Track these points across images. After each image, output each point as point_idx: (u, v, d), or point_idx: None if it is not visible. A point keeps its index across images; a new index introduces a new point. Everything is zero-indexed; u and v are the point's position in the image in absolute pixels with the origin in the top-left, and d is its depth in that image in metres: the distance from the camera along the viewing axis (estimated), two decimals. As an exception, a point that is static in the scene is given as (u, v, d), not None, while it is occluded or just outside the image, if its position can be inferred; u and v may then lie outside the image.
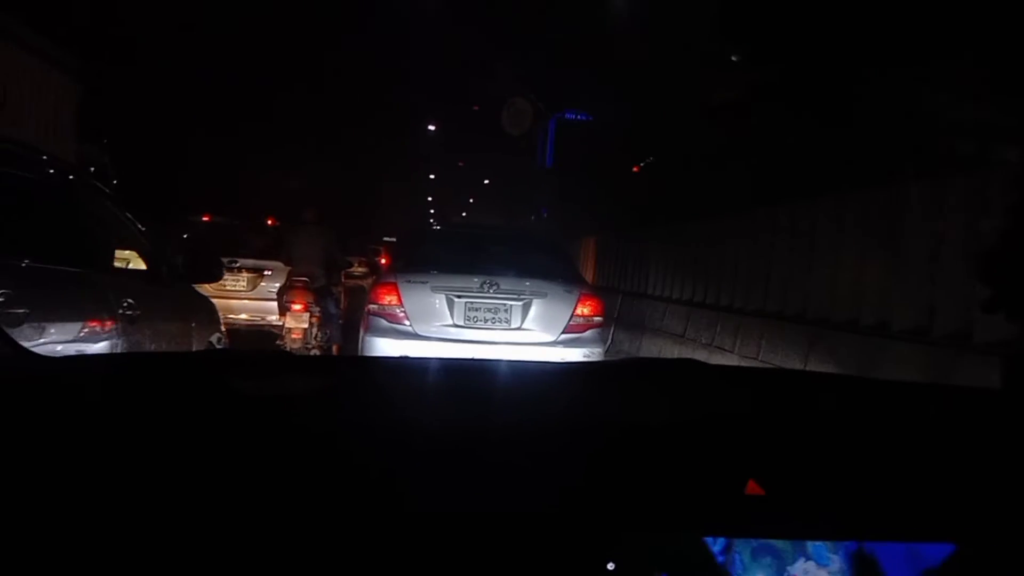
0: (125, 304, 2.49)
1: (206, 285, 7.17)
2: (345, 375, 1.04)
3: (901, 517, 0.72)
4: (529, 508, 0.68)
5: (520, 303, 4.31)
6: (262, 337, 6.72)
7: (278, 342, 5.80)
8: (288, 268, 6.02)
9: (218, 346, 3.49)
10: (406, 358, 3.26)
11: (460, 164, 32.56)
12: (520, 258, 4.73)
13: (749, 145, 6.62)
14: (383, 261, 11.06)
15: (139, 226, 2.92)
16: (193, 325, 3.24)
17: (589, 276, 10.34)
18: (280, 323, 5.85)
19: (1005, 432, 0.86)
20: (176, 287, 3.07)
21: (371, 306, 4.43)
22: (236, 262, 7.22)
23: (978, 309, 3.62)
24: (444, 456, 0.72)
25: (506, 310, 4.30)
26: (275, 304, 6.16)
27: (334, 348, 5.95)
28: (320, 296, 5.70)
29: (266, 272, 7.22)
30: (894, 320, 4.27)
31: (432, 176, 36.71)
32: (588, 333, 4.38)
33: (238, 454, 0.71)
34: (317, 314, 5.66)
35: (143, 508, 0.66)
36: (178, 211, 10.69)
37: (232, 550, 0.64)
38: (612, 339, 7.68)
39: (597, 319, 4.43)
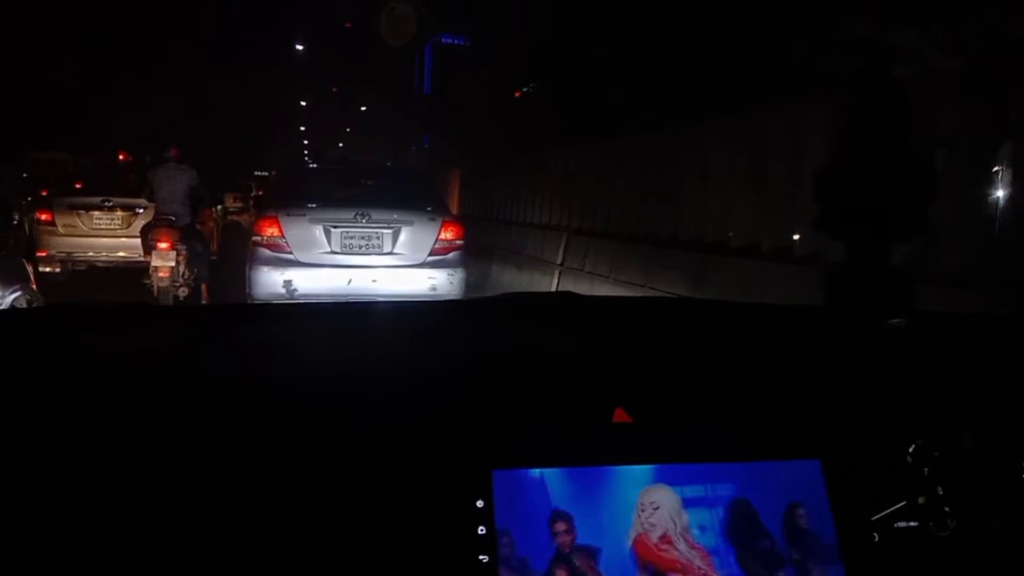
0: None
1: (78, 223, 7.24)
2: (209, 324, 1.02)
3: (766, 436, 0.76)
4: (400, 447, 0.70)
5: (390, 231, 5.10)
6: (139, 275, 6.55)
7: (145, 281, 6.00)
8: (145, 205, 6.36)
9: (20, 306, 3.14)
10: (275, 304, 3.84)
11: (334, 89, 31.45)
12: (389, 191, 5.52)
13: (625, 71, 7.06)
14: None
15: None
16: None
17: (459, 206, 11.05)
18: (140, 259, 6.19)
19: (850, 347, 0.94)
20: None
21: (255, 238, 5.07)
22: (109, 200, 7.38)
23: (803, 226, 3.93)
24: (313, 400, 0.74)
25: (378, 237, 5.08)
26: (136, 241, 6.48)
27: (203, 287, 6.27)
28: (186, 234, 5.96)
29: (139, 210, 7.35)
30: (763, 243, 4.66)
31: (303, 103, 35.14)
32: (451, 255, 5.25)
33: (93, 415, 0.69)
34: (184, 252, 5.91)
35: None
36: (23, 147, 10.24)
37: (95, 512, 0.63)
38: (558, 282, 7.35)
39: (459, 243, 5.29)
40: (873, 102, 1.26)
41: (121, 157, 9.54)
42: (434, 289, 5.07)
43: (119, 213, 7.46)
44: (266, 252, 4.99)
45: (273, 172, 14.29)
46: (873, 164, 1.22)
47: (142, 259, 6.67)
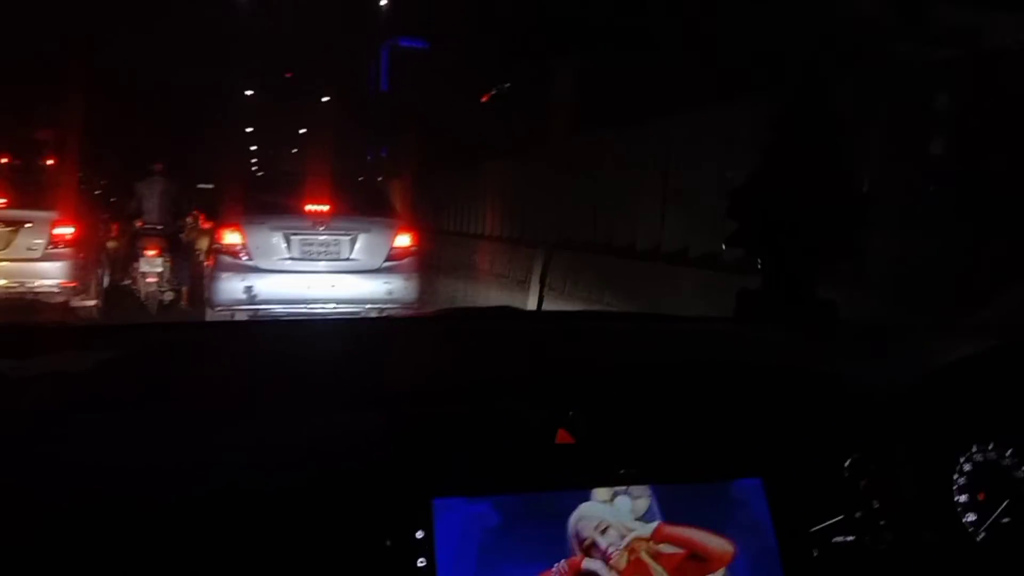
0: None
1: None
2: (131, 346, 1.03)
3: (707, 456, 0.81)
4: (335, 477, 0.72)
5: (348, 237, 5.67)
6: (24, 309, 5.94)
7: (133, 287, 6.91)
8: (51, 218, 6.04)
9: None
10: (202, 323, 4.29)
11: (288, 75, 30.97)
12: (346, 198, 6.09)
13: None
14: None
15: None
16: None
17: (422, 215, 11.65)
18: (53, 288, 6.00)
19: (788, 363, 1.00)
20: None
21: (216, 245, 5.62)
22: None
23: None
24: (239, 427, 0.76)
25: (336, 243, 5.66)
26: (43, 266, 5.97)
27: (184, 291, 7.24)
28: (171, 242, 6.94)
29: (27, 224, 6.03)
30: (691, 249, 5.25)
31: (249, 92, 33.88)
32: (407, 261, 5.87)
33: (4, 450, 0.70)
34: (169, 259, 6.86)
35: None
36: None
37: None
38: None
39: (413, 248, 5.93)
40: (805, 110, 1.27)
41: (5, 160, 7.98)
42: (391, 294, 5.66)
43: None
44: (227, 259, 5.53)
45: (212, 186, 14.40)
46: (799, 178, 1.25)
47: (25, 288, 6.07)
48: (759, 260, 1.33)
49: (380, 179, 11.20)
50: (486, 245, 8.82)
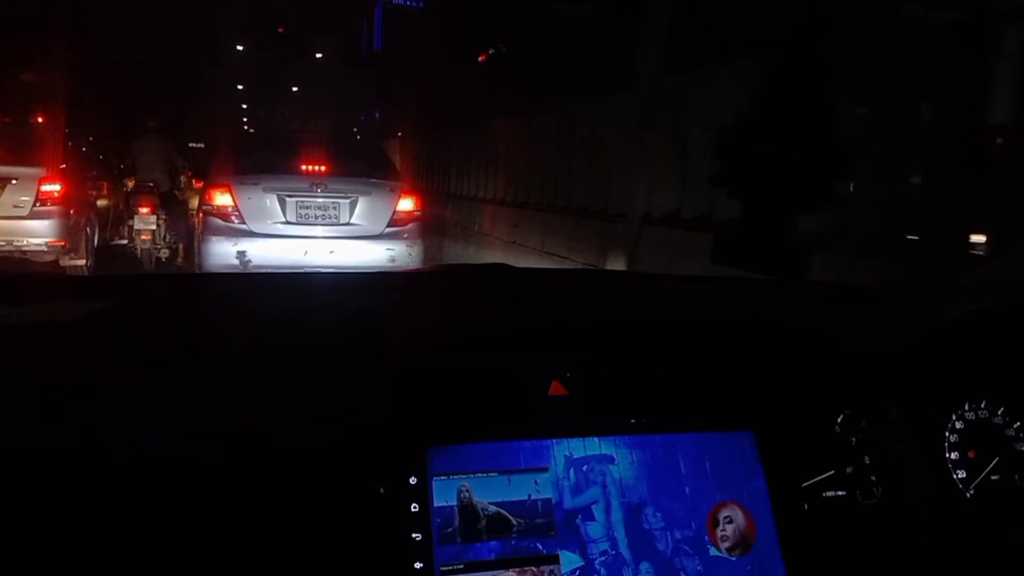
0: None
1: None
2: (124, 297, 1.02)
3: (700, 408, 0.83)
4: (332, 426, 0.74)
5: (347, 200, 5.48)
6: (12, 266, 5.98)
7: (129, 245, 7.06)
8: (38, 175, 5.98)
9: None
10: (196, 274, 4.17)
11: (280, 30, 30.05)
12: (345, 159, 5.92)
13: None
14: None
15: None
16: None
17: (424, 178, 11.42)
18: (41, 247, 6.02)
19: (781, 319, 1.02)
20: None
21: (206, 207, 5.45)
22: None
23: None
24: (232, 382, 0.76)
25: (335, 207, 5.47)
26: (30, 224, 5.92)
27: (180, 247, 7.37)
28: (165, 200, 7.08)
29: (13, 181, 5.93)
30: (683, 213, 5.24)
31: (241, 47, 32.91)
32: (410, 226, 5.67)
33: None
34: (164, 217, 7.03)
35: None
36: None
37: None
38: None
39: (417, 213, 5.74)
40: (796, 67, 1.31)
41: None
42: (393, 261, 5.46)
43: None
44: (218, 222, 5.34)
45: (203, 145, 14.14)
46: (781, 129, 1.28)
47: (13, 247, 5.98)
48: (739, 202, 1.36)
49: (400, 134, 10.92)
50: (526, 216, 8.04)
